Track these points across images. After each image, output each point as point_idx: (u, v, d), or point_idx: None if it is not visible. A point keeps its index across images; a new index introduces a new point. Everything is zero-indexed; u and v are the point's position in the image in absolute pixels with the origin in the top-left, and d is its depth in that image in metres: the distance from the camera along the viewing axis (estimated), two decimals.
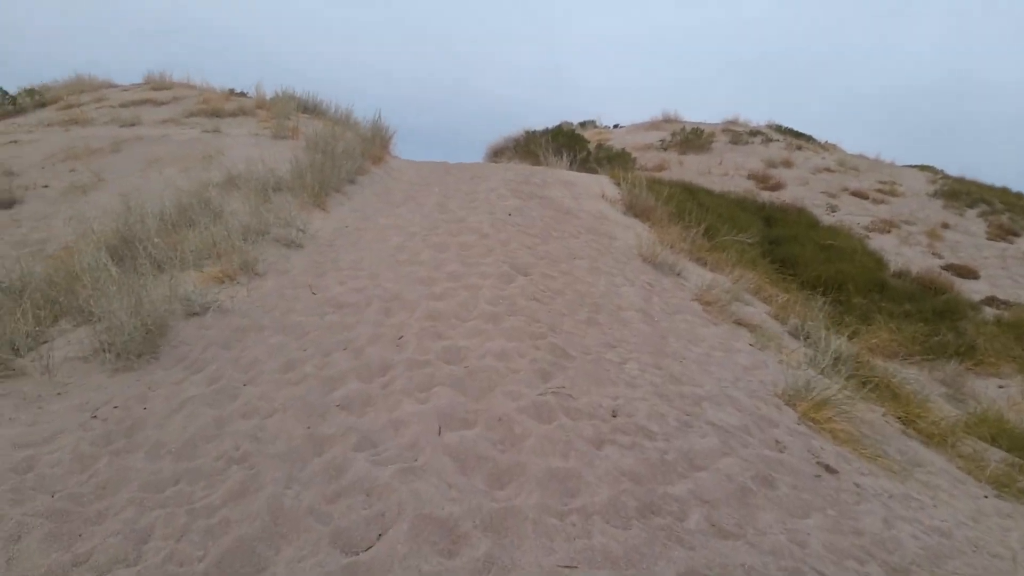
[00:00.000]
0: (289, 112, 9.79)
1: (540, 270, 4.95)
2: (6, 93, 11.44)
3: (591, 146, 14.04)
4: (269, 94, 11.34)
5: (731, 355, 4.44)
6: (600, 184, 8.96)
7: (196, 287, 4.23)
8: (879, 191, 14.42)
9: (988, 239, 12.24)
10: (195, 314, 4.02)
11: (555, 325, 4.02)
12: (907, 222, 12.83)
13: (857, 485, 3.10)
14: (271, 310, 4.13)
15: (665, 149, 16.78)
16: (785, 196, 13.54)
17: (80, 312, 4.02)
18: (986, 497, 3.64)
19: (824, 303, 6.81)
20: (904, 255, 11.25)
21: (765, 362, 4.50)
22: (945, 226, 12.68)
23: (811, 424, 3.70)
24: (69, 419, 2.96)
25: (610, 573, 2.06)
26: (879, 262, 10.48)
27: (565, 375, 3.38)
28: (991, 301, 9.84)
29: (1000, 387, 7.17)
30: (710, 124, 18.53)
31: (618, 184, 8.89)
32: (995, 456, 4.48)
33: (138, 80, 12.96)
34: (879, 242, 11.72)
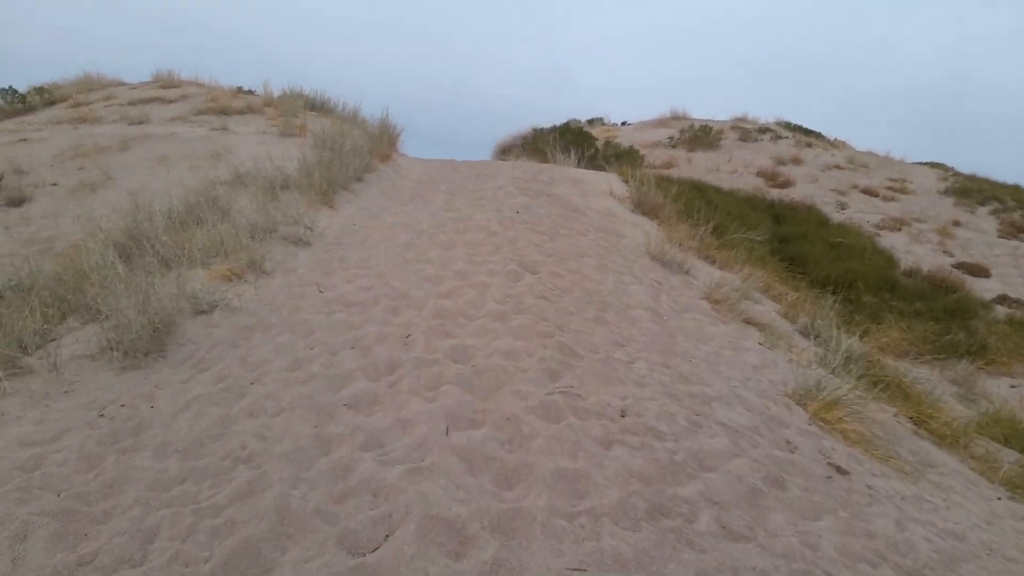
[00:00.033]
0: (297, 110, 9.81)
1: (548, 268, 4.92)
2: (16, 91, 11.50)
3: (599, 143, 13.99)
4: (277, 92, 11.36)
5: (740, 354, 4.40)
6: (608, 182, 8.92)
7: (203, 285, 4.23)
8: (889, 188, 14.30)
9: (1000, 237, 12.12)
10: (202, 312, 4.02)
11: (563, 324, 3.99)
12: (918, 220, 12.72)
13: (869, 487, 3.06)
14: (278, 308, 4.12)
15: (673, 146, 16.68)
16: (794, 194, 13.46)
17: (88, 310, 4.03)
18: (1000, 499, 3.59)
19: (834, 302, 6.77)
20: (915, 253, 11.15)
21: (775, 361, 4.46)
22: (956, 224, 12.57)
23: (822, 424, 3.65)
24: (76, 417, 2.96)
25: None
26: (889, 260, 10.40)
27: (573, 374, 3.35)
28: (1003, 300, 9.74)
29: (1012, 387, 7.10)
30: (719, 121, 18.42)
31: (626, 181, 8.84)
32: (1008, 457, 4.42)
33: (146, 78, 13.04)
34: (889, 240, 11.63)
